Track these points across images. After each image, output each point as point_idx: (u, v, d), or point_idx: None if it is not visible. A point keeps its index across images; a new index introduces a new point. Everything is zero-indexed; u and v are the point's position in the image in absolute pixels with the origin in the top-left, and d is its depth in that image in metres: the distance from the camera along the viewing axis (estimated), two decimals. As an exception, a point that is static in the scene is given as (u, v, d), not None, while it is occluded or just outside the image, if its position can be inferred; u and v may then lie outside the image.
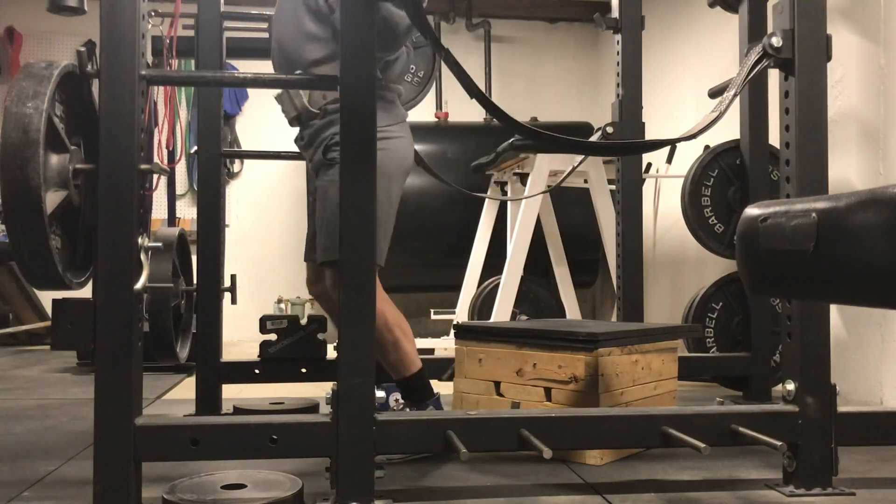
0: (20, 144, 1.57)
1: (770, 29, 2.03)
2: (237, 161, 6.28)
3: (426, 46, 2.67)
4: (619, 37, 3.10)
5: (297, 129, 2.43)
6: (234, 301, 2.80)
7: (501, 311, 4.14)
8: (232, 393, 2.93)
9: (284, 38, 2.34)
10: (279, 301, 6.00)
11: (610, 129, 3.05)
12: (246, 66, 4.95)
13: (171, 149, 4.76)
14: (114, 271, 1.64)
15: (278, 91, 2.29)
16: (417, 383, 2.33)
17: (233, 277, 2.85)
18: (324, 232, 2.22)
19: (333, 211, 2.13)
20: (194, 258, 2.68)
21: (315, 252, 2.34)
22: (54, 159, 1.68)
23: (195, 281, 2.71)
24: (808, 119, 1.94)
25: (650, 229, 4.97)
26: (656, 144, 2.09)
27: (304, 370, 2.73)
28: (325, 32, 2.25)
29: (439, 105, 6.12)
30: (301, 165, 5.90)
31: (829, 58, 1.95)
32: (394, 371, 2.31)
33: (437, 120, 5.94)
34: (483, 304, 4.69)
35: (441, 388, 2.93)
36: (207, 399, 2.65)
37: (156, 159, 4.48)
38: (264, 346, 2.72)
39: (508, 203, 4.69)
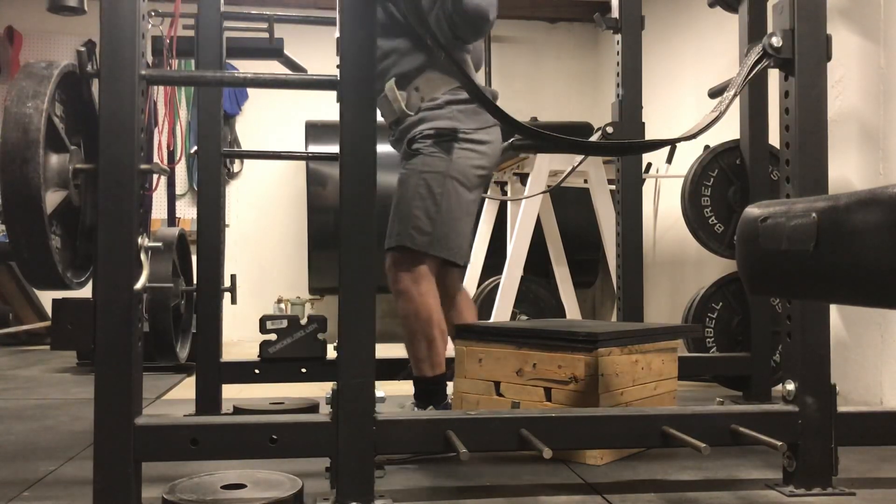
0: (20, 144, 1.57)
1: (770, 29, 2.03)
2: (237, 161, 6.29)
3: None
4: (619, 37, 3.10)
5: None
6: (234, 301, 2.80)
7: (501, 311, 4.14)
8: (232, 393, 2.93)
9: None
10: (279, 301, 6.00)
11: (610, 129, 3.05)
12: (246, 66, 4.96)
13: (171, 149, 4.76)
14: (114, 271, 1.64)
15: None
16: (436, 386, 2.34)
17: (233, 277, 2.85)
18: (396, 218, 2.25)
19: (406, 198, 2.18)
20: (194, 258, 2.68)
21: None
22: (54, 159, 1.68)
23: (195, 281, 2.71)
24: (808, 119, 1.94)
25: (650, 229, 4.97)
26: (656, 144, 2.09)
27: (304, 370, 2.73)
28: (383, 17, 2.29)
29: (439, 105, 6.12)
30: (301, 165, 5.91)
31: (829, 58, 1.95)
32: (417, 367, 2.32)
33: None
34: (483, 304, 4.69)
35: (441, 388, 2.94)
36: (207, 399, 2.65)
37: (156, 159, 4.48)
38: (264, 346, 2.72)
39: (508, 203, 4.70)
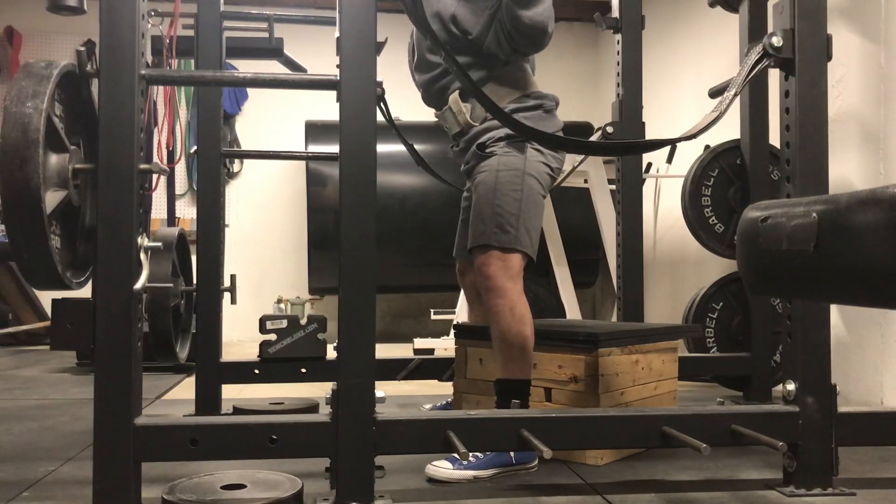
0: (20, 144, 1.57)
1: (770, 29, 2.03)
2: (237, 161, 6.28)
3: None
4: (619, 37, 3.10)
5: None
6: (233, 301, 2.79)
7: (501, 311, 4.13)
8: (232, 393, 2.93)
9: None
10: (279, 301, 6.00)
11: (610, 129, 3.06)
12: (246, 66, 4.95)
13: (171, 149, 4.75)
14: (114, 271, 1.64)
15: (435, 111, 2.42)
16: (523, 392, 2.15)
17: (233, 277, 2.85)
18: (478, 219, 2.19)
19: (487, 198, 2.18)
20: (194, 258, 2.68)
21: (462, 251, 2.40)
22: (54, 159, 1.68)
23: (195, 281, 2.71)
24: (809, 119, 1.94)
25: (650, 229, 4.97)
26: (656, 144, 2.09)
27: (304, 370, 2.73)
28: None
29: (439, 105, 6.13)
30: (301, 165, 5.91)
31: (829, 58, 1.95)
32: (507, 369, 2.15)
33: (437, 119, 5.93)
34: (483, 304, 4.68)
35: (441, 388, 2.94)
36: (207, 399, 2.65)
37: (156, 159, 4.48)
38: (264, 346, 2.72)
39: (508, 203, 4.68)
